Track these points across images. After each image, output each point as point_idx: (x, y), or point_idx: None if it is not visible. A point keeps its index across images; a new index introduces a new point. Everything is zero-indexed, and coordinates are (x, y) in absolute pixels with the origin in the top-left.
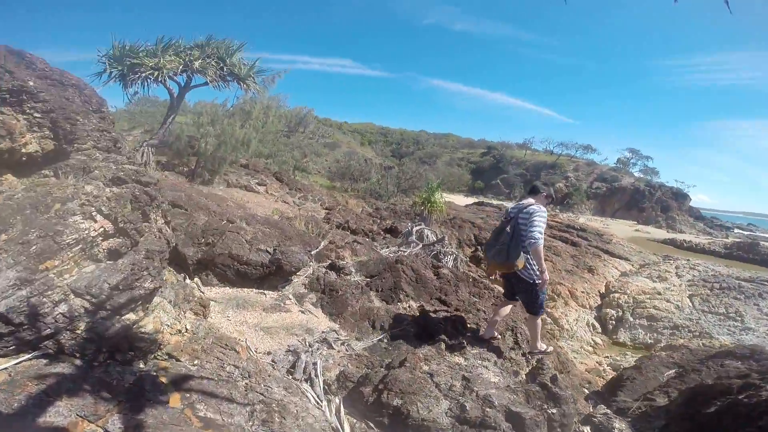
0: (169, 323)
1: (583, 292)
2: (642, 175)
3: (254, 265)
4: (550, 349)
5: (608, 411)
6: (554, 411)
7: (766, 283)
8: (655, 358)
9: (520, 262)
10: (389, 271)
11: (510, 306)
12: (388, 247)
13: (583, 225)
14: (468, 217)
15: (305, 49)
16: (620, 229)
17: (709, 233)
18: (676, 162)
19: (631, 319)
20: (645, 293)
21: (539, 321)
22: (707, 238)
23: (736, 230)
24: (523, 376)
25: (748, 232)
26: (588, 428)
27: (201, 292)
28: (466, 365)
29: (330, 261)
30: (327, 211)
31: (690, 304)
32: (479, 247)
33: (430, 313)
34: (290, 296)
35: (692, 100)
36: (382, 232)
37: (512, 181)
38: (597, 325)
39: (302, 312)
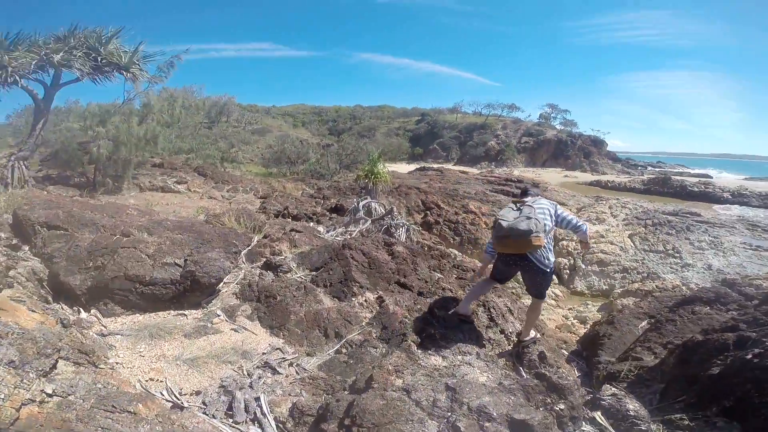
0: (5, 394)
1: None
2: (563, 127)
3: (162, 284)
4: (539, 335)
5: (616, 390)
6: (562, 406)
7: (687, 215)
8: (625, 310)
9: (542, 239)
10: (336, 259)
11: (492, 285)
12: (335, 229)
13: (519, 177)
14: (413, 183)
15: (218, 37)
16: (551, 177)
17: (627, 172)
18: (591, 113)
19: (583, 266)
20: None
21: (541, 305)
22: (627, 177)
23: (648, 168)
24: (508, 361)
25: (659, 169)
26: (599, 413)
27: (102, 325)
28: (446, 367)
29: (265, 259)
30: (262, 200)
31: (632, 245)
32: (428, 212)
33: (391, 305)
34: (218, 312)
35: (600, 57)
36: (327, 213)
37: (448, 144)
38: (553, 276)
39: (235, 330)
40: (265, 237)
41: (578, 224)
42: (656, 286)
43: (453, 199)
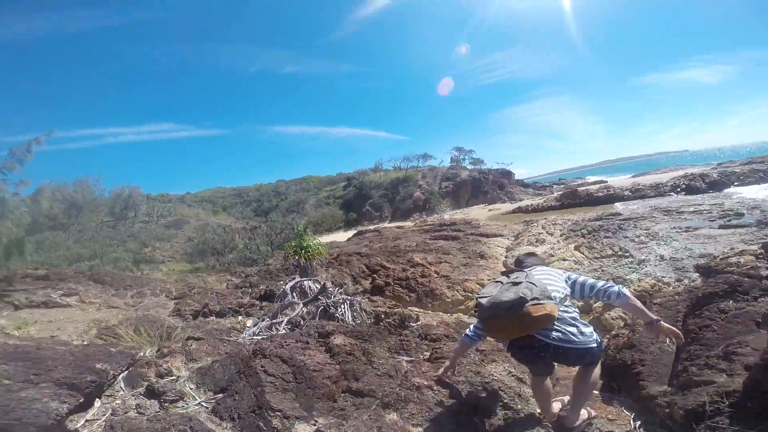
0: None
1: (489, 279)
2: (474, 166)
3: None
4: (594, 412)
5: None
6: None
7: (611, 217)
8: (637, 327)
9: (548, 307)
10: (244, 376)
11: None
12: (263, 321)
13: (451, 220)
14: (353, 249)
15: (110, 120)
16: (477, 213)
17: (539, 194)
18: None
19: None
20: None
21: (598, 370)
22: (541, 198)
23: (554, 186)
24: None
25: (563, 185)
26: None
27: None
28: None
29: (147, 383)
30: (177, 300)
31: (583, 255)
32: (375, 275)
33: None
34: None
35: (484, 96)
36: (257, 302)
37: (379, 203)
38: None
39: None
40: (159, 350)
41: (608, 288)
42: (635, 290)
43: (396, 256)
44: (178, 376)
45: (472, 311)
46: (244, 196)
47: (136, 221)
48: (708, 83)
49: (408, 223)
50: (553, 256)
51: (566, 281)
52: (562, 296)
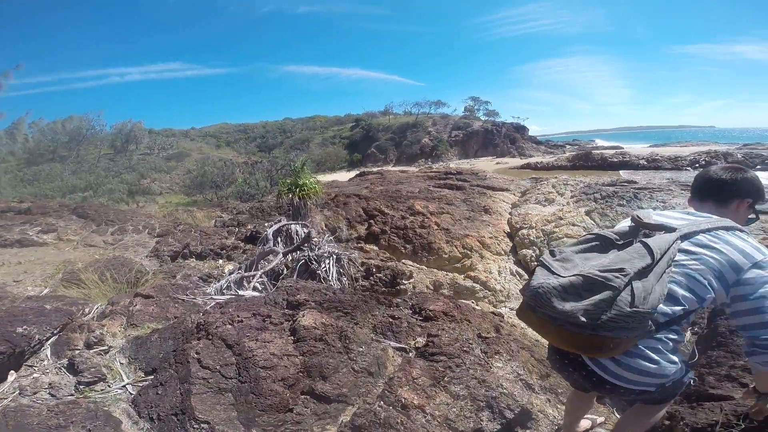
0: None
1: (491, 237)
2: (487, 118)
3: None
4: None
5: None
6: None
7: (625, 183)
8: None
9: (624, 342)
10: (174, 363)
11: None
12: (236, 272)
13: (457, 169)
14: (352, 190)
15: (118, 61)
16: (485, 165)
17: (551, 152)
18: (508, 102)
19: None
20: (548, 222)
21: (663, 412)
22: (552, 157)
23: (567, 147)
24: None
25: (577, 146)
26: None
27: None
28: None
29: (71, 354)
30: (159, 239)
31: (594, 223)
32: (372, 221)
33: None
34: None
35: (507, 49)
36: (241, 245)
37: (385, 146)
38: (521, 271)
39: None
40: (111, 305)
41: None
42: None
43: (397, 201)
44: (110, 347)
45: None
46: (249, 133)
47: (137, 153)
48: (756, 59)
49: (412, 169)
50: (562, 219)
51: (726, 277)
52: (683, 312)
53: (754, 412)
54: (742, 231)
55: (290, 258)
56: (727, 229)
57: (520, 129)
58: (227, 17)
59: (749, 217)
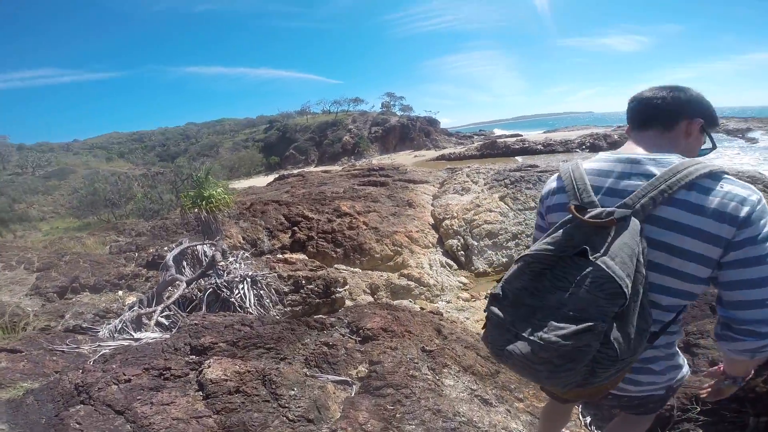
0: None
1: (418, 231)
2: (403, 113)
3: None
4: None
5: None
6: None
7: (529, 168)
8: None
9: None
10: None
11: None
12: (132, 309)
13: (379, 165)
14: (271, 196)
15: None
16: (404, 159)
17: (461, 143)
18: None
19: (476, 243)
20: (468, 210)
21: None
22: (463, 147)
23: (475, 137)
24: None
25: (483, 136)
26: None
27: None
28: None
29: None
30: (40, 273)
31: (508, 207)
32: (296, 228)
33: None
34: None
35: (419, 44)
36: (143, 272)
37: (305, 147)
38: (450, 262)
39: None
40: None
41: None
42: None
43: (322, 204)
44: None
45: (400, 273)
46: (145, 141)
47: (4, 174)
48: (623, 51)
49: (336, 168)
50: (479, 206)
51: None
52: (672, 317)
53: (710, 394)
54: (707, 176)
55: (199, 284)
56: (688, 186)
57: (433, 122)
58: (107, 17)
59: (703, 147)
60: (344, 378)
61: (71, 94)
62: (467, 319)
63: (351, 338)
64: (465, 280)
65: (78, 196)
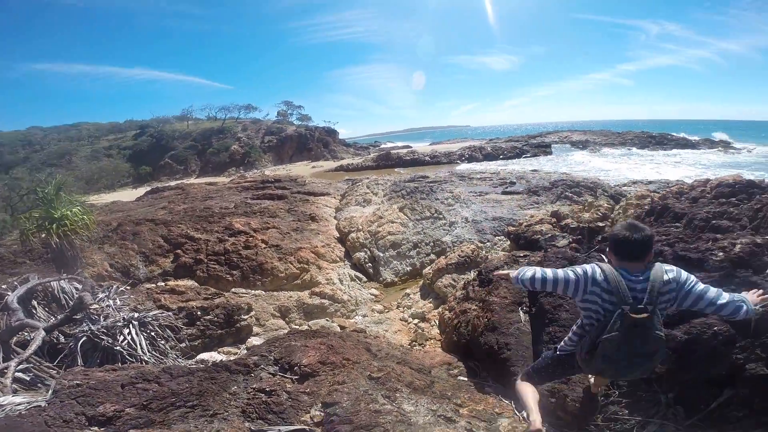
0: None
1: (324, 246)
2: (300, 122)
3: None
4: None
5: None
6: None
7: (421, 179)
8: (493, 300)
9: None
10: None
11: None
12: None
13: (274, 176)
14: (143, 213)
15: None
16: (301, 170)
17: (359, 154)
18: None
19: (381, 254)
20: (372, 222)
21: None
22: (360, 158)
23: (371, 148)
24: None
25: (378, 147)
26: None
27: None
28: None
29: None
30: None
31: (407, 217)
32: (179, 250)
33: None
34: None
35: (322, 54)
36: None
37: (183, 156)
38: (359, 275)
39: None
40: None
41: (738, 305)
42: (459, 256)
43: (209, 222)
44: None
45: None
46: None
47: None
48: (497, 69)
49: (222, 179)
50: (382, 218)
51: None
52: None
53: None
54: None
55: (65, 330)
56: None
57: (332, 133)
58: None
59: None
60: (300, 427)
61: None
62: (386, 331)
63: (287, 378)
64: (376, 292)
65: None
